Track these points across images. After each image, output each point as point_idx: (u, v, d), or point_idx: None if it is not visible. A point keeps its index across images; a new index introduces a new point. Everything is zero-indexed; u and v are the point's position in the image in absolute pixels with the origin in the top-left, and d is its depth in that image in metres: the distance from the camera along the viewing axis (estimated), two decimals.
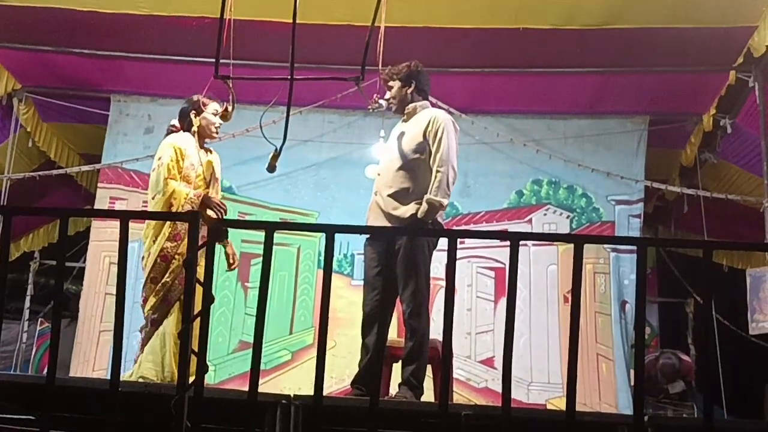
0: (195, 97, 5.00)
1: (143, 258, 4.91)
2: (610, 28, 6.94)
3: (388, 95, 4.87)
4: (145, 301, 4.86)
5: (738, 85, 7.29)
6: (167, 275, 4.75)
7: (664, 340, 10.07)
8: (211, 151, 5.14)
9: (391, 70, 4.82)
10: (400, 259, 4.57)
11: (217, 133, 5.11)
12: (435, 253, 4.69)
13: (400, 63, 4.84)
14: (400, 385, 4.58)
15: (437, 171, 4.63)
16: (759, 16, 6.46)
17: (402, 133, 4.84)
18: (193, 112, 4.99)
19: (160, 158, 4.87)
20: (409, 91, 4.85)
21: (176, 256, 4.75)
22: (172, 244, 4.78)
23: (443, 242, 3.35)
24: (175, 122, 5.10)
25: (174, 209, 4.73)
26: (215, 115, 5.03)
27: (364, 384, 4.46)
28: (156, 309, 4.80)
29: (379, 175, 4.85)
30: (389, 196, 4.70)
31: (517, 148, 8.42)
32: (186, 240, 4.62)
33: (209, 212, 4.78)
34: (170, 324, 4.72)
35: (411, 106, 4.86)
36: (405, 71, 4.84)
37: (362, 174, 7.18)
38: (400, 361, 4.65)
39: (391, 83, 4.85)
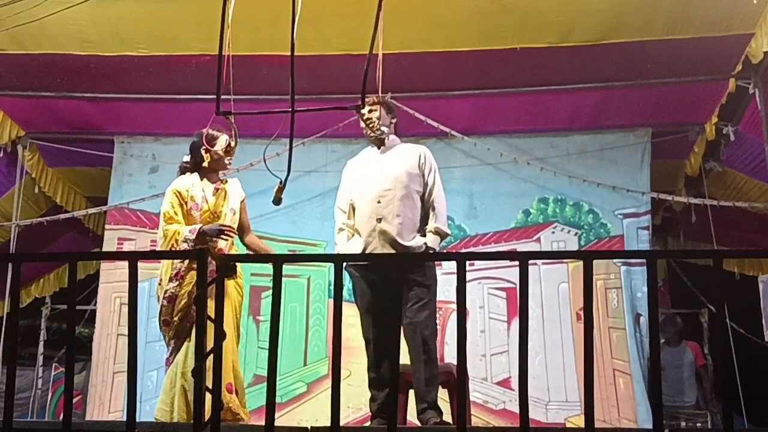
0: (204, 131, 5.02)
1: (158, 299, 4.94)
2: (606, 43, 6.95)
3: (372, 115, 4.90)
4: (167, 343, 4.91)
5: (738, 92, 7.28)
6: (175, 315, 4.76)
7: None
8: (226, 182, 5.15)
9: (379, 96, 4.87)
10: (418, 284, 4.63)
11: (229, 164, 5.14)
12: (445, 277, 4.70)
13: (399, 89, 4.89)
14: (427, 409, 4.57)
15: (436, 203, 4.86)
16: (755, 23, 6.46)
17: (387, 163, 4.90)
18: (204, 147, 5.02)
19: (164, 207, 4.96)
20: (394, 122, 5.04)
21: (179, 296, 4.77)
22: (174, 285, 4.79)
23: (452, 265, 3.35)
24: (187, 158, 5.13)
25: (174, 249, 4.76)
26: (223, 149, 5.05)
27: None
28: (170, 349, 4.83)
29: (379, 203, 4.82)
30: (400, 224, 4.73)
31: (521, 167, 8.40)
32: (187, 279, 4.67)
33: (220, 242, 4.81)
34: (178, 364, 4.72)
35: (393, 137, 5.02)
36: (388, 101, 4.96)
37: None
38: (418, 386, 4.63)
39: (375, 108, 4.92)
